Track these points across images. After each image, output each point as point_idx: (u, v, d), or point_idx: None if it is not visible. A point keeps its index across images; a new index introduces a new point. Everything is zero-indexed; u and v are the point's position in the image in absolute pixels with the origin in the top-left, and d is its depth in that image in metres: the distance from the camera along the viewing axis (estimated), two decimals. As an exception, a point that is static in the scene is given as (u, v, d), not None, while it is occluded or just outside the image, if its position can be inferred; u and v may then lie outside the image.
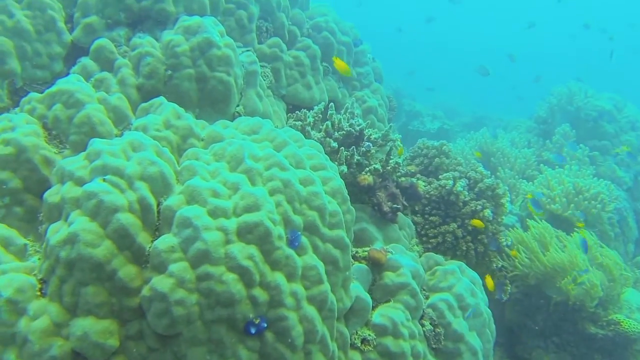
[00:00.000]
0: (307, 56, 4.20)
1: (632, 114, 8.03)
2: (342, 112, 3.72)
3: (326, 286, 2.42)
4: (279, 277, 2.23)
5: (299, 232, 2.40)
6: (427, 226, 3.77)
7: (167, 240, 2.12)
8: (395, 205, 3.36)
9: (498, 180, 4.08)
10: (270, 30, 4.09)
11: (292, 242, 2.36)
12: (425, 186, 3.95)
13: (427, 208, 3.86)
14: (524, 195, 5.98)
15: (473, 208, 3.77)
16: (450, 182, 3.80)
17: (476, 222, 3.68)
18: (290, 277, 2.29)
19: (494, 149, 7.00)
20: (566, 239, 5.01)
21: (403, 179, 3.75)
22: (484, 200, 3.85)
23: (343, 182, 2.88)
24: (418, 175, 4.12)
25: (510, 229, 5.28)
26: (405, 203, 3.60)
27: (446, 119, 14.87)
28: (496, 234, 3.88)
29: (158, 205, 2.29)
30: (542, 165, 6.60)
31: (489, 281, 3.52)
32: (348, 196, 2.83)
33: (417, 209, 3.88)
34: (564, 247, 4.77)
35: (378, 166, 3.35)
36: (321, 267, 2.44)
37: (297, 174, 2.60)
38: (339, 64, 4.12)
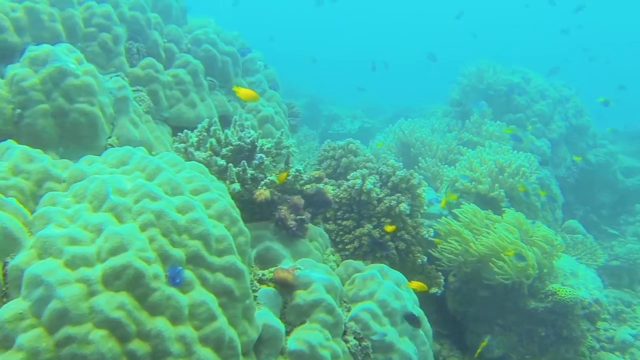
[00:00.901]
0: (187, 73, 3.98)
1: (540, 84, 8.27)
2: (231, 126, 3.53)
3: (221, 321, 2.20)
4: (160, 323, 2.00)
5: (180, 267, 2.17)
6: (341, 232, 3.62)
7: (12, 307, 1.84)
8: (299, 217, 3.18)
9: (411, 171, 3.99)
10: (143, 51, 3.85)
11: (173, 279, 2.14)
12: (334, 190, 3.80)
13: (338, 213, 3.71)
14: (448, 182, 5.98)
15: (388, 204, 3.65)
16: (359, 180, 3.67)
17: (388, 228, 3.56)
18: (175, 320, 2.06)
19: (412, 140, 6.97)
20: (496, 220, 5.00)
21: (308, 186, 3.58)
22: (399, 194, 3.74)
23: (231, 201, 2.68)
24: (326, 180, 3.97)
25: (438, 219, 5.24)
26: (310, 212, 3.42)
27: (366, 118, 15.00)
28: (416, 227, 3.77)
29: (4, 266, 2.00)
30: (461, 147, 6.63)
31: (415, 285, 3.38)
32: (238, 216, 2.64)
33: (328, 215, 3.72)
34: (494, 230, 4.76)
35: (273, 178, 3.16)
36: (212, 301, 2.22)
37: (173, 201, 2.38)
38: (243, 92, 3.88)
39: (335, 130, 14.22)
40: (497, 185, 5.40)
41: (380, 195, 3.76)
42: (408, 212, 3.66)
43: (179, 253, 2.22)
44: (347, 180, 3.78)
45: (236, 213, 2.64)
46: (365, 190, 3.63)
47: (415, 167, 6.64)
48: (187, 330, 2.08)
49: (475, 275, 4.92)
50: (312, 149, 13.26)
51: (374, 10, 40.38)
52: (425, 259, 3.76)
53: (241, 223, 2.65)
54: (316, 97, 16.50)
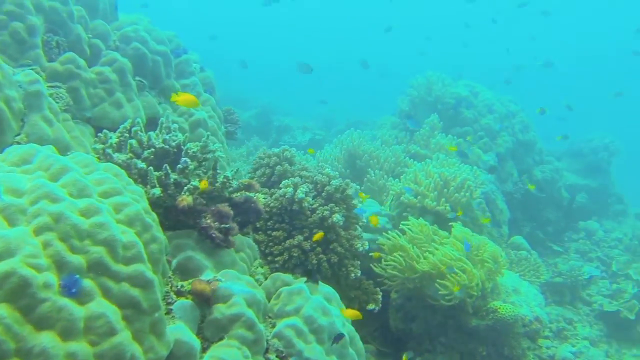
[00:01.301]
0: (114, 71, 3.79)
1: (487, 98, 8.39)
2: (158, 128, 3.37)
3: (123, 336, 2.03)
4: (47, 338, 1.82)
5: (78, 275, 2.00)
6: (271, 243, 3.49)
7: None
8: (225, 226, 3.04)
9: (347, 180, 3.90)
10: (64, 45, 3.64)
11: (68, 289, 1.96)
12: (265, 199, 3.68)
13: (269, 223, 3.58)
14: (393, 195, 5.94)
15: (320, 215, 3.54)
16: (290, 189, 3.55)
17: (317, 236, 3.45)
18: (66, 335, 1.88)
19: (360, 151, 6.92)
20: (444, 236, 4.98)
21: (237, 194, 3.44)
22: (332, 205, 3.64)
23: (146, 206, 2.53)
24: (258, 188, 3.84)
25: (384, 232, 5.19)
26: (239, 221, 3.29)
27: (318, 129, 15.04)
28: (351, 239, 3.68)
29: None
30: (408, 159, 6.62)
31: (348, 313, 3.24)
32: (152, 222, 2.48)
33: (258, 225, 3.59)
34: (441, 247, 4.73)
35: (195, 183, 3.02)
36: (114, 313, 2.05)
37: (77, 204, 2.20)
38: (182, 99, 3.70)
39: (285, 142, 14.22)
40: (443, 199, 5.38)
41: (315, 205, 3.65)
42: (341, 223, 3.56)
43: (78, 260, 2.04)
44: (280, 188, 3.66)
45: (150, 219, 2.49)
46: (296, 200, 3.51)
47: (365, 179, 6.61)
48: (79, 346, 1.90)
49: (418, 292, 4.88)
50: (260, 161, 13.14)
51: (339, 20, 40.82)
52: (359, 273, 3.66)
53: (155, 229, 2.50)
54: (268, 108, 16.45)
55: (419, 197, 5.50)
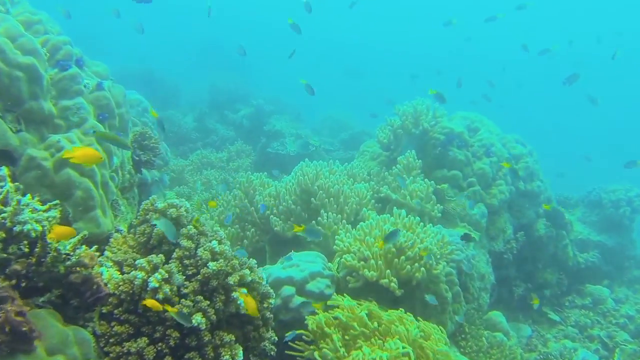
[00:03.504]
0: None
1: (485, 137, 7.64)
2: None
3: None
4: None
5: None
6: (112, 340, 2.88)
7: None
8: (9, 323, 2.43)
9: (234, 262, 3.26)
10: None
11: None
12: (121, 276, 3.07)
13: (117, 310, 2.96)
14: (340, 253, 5.30)
15: (179, 310, 2.92)
16: (140, 274, 2.93)
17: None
18: None
19: (314, 188, 6.27)
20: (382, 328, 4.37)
21: (79, 269, 2.85)
22: (201, 297, 3.02)
23: None
24: (118, 260, 3.25)
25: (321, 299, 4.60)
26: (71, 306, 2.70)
27: (313, 137, 14.47)
28: (218, 347, 3.04)
29: None
30: (364, 210, 5.95)
31: None
32: None
33: (105, 311, 2.98)
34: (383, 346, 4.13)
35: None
36: None
37: None
38: (79, 154, 3.22)
39: (274, 149, 13.68)
40: (388, 272, 4.71)
41: (187, 290, 3.05)
42: (204, 326, 2.93)
43: None
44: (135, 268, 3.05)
45: None
46: (149, 289, 2.90)
47: (313, 221, 5.98)
48: None
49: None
50: (240, 168, 12.59)
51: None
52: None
53: None
54: (262, 109, 15.79)
55: (361, 262, 4.86)
